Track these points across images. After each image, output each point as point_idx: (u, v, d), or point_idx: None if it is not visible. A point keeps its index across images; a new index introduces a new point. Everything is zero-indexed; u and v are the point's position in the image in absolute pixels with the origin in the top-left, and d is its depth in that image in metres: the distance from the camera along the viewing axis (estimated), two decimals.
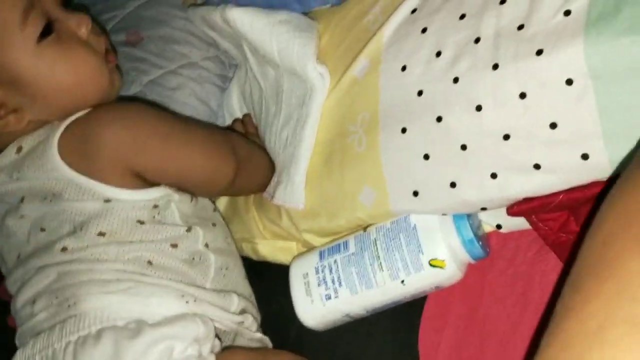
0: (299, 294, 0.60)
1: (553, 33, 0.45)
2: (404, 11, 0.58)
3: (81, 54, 0.60)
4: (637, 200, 0.33)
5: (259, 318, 0.65)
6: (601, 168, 0.45)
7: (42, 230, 0.58)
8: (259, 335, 0.63)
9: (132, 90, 0.76)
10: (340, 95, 0.62)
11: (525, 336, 0.52)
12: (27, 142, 0.59)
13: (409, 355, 0.58)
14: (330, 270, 0.59)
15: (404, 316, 0.60)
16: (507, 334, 0.54)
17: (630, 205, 0.33)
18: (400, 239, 0.56)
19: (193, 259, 0.60)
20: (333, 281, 0.58)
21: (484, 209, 0.53)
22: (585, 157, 0.45)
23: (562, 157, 0.46)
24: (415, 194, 0.55)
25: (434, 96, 0.52)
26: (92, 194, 0.57)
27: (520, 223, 0.54)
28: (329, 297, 0.59)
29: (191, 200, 0.63)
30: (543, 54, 0.45)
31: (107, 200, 0.57)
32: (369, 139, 0.57)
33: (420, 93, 0.53)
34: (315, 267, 0.60)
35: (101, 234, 0.56)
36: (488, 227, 0.58)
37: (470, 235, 0.54)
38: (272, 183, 0.67)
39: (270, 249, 0.70)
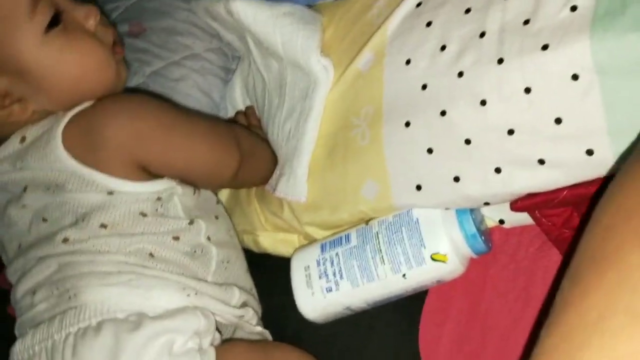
0: (300, 286, 0.60)
1: (559, 28, 0.45)
2: (408, 5, 0.58)
3: (88, 46, 0.60)
4: (637, 193, 0.33)
5: (259, 311, 0.65)
6: (606, 164, 0.45)
7: (44, 220, 0.58)
8: (259, 328, 0.63)
9: (135, 81, 0.75)
10: (344, 88, 0.61)
11: (526, 331, 0.52)
12: (31, 132, 0.59)
13: (409, 349, 0.58)
14: (332, 263, 0.59)
15: (405, 310, 0.60)
16: (509, 328, 0.54)
17: (629, 198, 0.33)
18: (402, 232, 0.56)
19: (195, 251, 0.60)
20: (334, 274, 0.58)
21: (487, 203, 0.53)
22: (590, 152, 0.45)
23: (567, 153, 0.46)
24: (419, 188, 0.55)
25: (438, 90, 0.52)
26: (95, 185, 0.57)
27: (523, 218, 0.54)
28: (330, 290, 0.59)
29: (194, 192, 0.62)
30: (549, 48, 0.45)
31: (110, 192, 0.57)
32: (373, 132, 0.57)
33: (424, 87, 0.53)
34: (317, 260, 0.60)
35: (103, 225, 0.56)
36: (491, 222, 0.58)
37: (473, 229, 0.54)
38: (275, 175, 0.67)
39: (271, 241, 0.70)
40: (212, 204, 0.66)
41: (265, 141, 0.70)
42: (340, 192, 0.60)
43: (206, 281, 0.59)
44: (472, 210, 0.55)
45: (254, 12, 0.65)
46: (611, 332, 0.28)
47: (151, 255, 0.57)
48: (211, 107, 0.77)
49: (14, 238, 0.60)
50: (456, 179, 0.52)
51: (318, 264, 0.60)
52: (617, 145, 0.44)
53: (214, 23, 0.76)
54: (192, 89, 0.75)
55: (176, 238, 0.59)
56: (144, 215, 0.58)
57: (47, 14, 0.56)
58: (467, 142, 0.51)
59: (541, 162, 0.47)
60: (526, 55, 0.46)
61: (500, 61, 0.48)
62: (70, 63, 0.59)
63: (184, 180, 0.61)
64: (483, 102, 0.49)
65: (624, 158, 0.44)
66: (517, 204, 0.51)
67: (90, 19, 0.60)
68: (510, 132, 0.48)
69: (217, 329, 0.58)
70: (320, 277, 0.59)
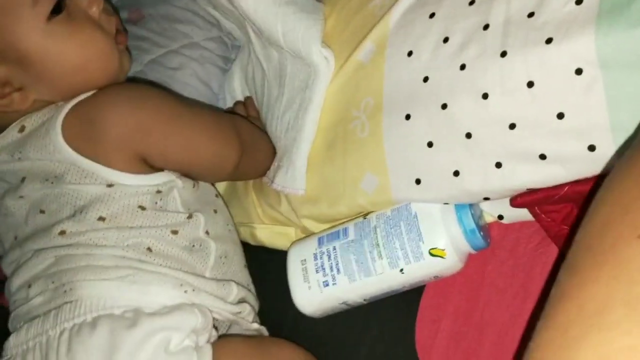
0: (297, 280, 0.60)
1: (564, 22, 0.45)
2: None
3: (91, 34, 0.59)
4: (634, 186, 0.32)
5: (256, 307, 0.65)
6: (607, 160, 0.44)
7: (42, 212, 0.57)
8: (256, 325, 0.63)
9: (133, 69, 0.74)
10: (344, 79, 0.61)
11: (524, 328, 0.52)
12: (31, 122, 0.58)
13: (406, 345, 0.58)
14: (329, 257, 0.58)
15: (402, 305, 0.60)
16: (506, 325, 0.54)
17: (627, 191, 0.33)
18: (400, 227, 0.55)
19: (193, 246, 0.59)
20: (331, 268, 0.58)
21: (486, 198, 0.52)
22: (592, 148, 0.45)
23: (569, 148, 0.46)
24: (418, 181, 0.54)
25: (439, 83, 0.52)
26: (94, 177, 0.56)
27: (522, 214, 0.53)
28: (326, 284, 0.58)
29: (193, 186, 0.62)
30: (553, 42, 0.45)
31: (110, 185, 0.56)
32: (372, 124, 0.57)
33: (426, 79, 0.53)
34: (314, 254, 0.60)
35: (101, 218, 0.56)
36: (489, 217, 0.58)
37: (472, 225, 0.54)
38: (273, 167, 0.67)
39: (268, 234, 0.69)
40: (211, 197, 0.66)
41: (265, 132, 0.69)
42: (339, 185, 0.59)
43: (204, 277, 0.59)
44: (471, 205, 0.55)
45: (255, 1, 0.65)
46: (609, 325, 0.28)
47: (149, 249, 0.56)
48: (209, 96, 0.76)
49: (10, 229, 0.59)
50: (456, 173, 0.51)
51: (315, 257, 0.59)
52: (620, 142, 0.43)
53: (214, 11, 0.75)
54: (190, 78, 0.75)
55: (175, 232, 0.58)
56: (142, 208, 0.57)
57: (50, 1, 0.55)
58: (468, 135, 0.50)
59: (542, 157, 0.47)
60: (530, 48, 0.46)
61: (504, 54, 0.47)
62: (72, 52, 0.58)
63: (185, 172, 0.61)
64: (485, 96, 0.48)
65: (622, 153, 0.43)
66: (517, 200, 0.51)
67: (94, 6, 0.60)
68: (512, 126, 0.47)
69: (214, 326, 0.57)
70: (317, 271, 0.59)
